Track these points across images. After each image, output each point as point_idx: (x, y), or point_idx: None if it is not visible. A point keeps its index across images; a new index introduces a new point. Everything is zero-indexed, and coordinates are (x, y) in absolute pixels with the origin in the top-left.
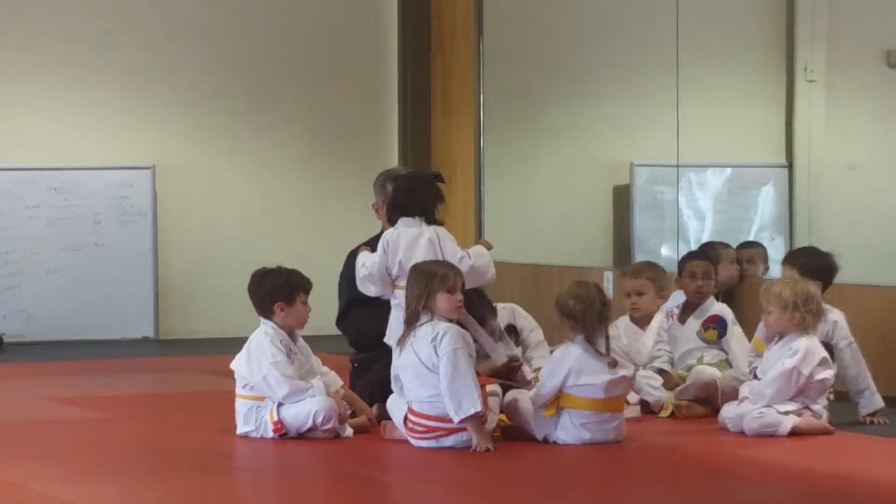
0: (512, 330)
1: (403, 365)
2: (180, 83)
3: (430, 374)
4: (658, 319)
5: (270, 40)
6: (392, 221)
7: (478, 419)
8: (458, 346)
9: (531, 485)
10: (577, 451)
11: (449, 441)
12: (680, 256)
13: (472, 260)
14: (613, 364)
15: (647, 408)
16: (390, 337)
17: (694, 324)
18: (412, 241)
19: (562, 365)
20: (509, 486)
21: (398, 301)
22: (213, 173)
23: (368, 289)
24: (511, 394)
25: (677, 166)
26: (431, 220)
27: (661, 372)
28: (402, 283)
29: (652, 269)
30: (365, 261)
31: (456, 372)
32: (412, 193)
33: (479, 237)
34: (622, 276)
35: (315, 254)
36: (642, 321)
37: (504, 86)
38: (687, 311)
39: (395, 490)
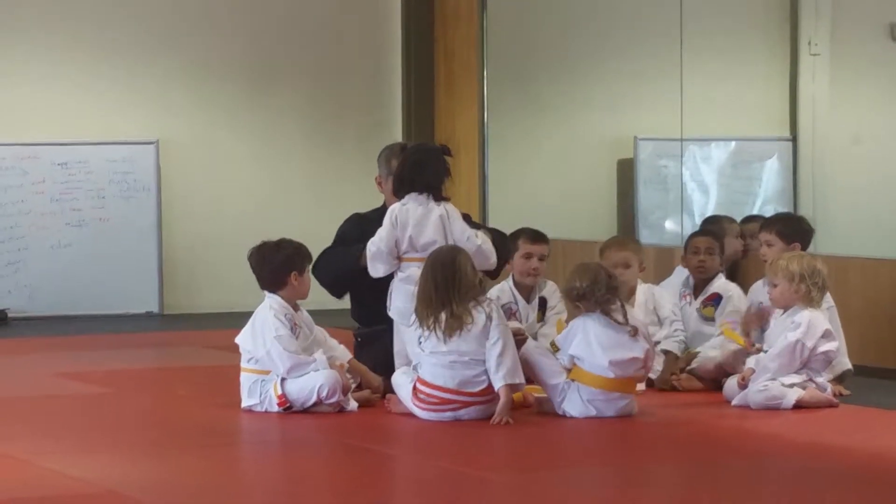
0: (544, 303)
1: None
2: (184, 58)
3: None
4: (642, 295)
5: (274, 17)
6: (398, 195)
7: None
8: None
9: (536, 457)
10: (585, 424)
11: (464, 413)
12: (684, 230)
13: (479, 241)
14: (634, 332)
15: (649, 382)
16: (395, 311)
17: (697, 302)
18: (422, 217)
19: (570, 333)
20: (514, 457)
21: (405, 274)
22: (216, 148)
23: (377, 269)
24: (525, 350)
25: (681, 140)
26: (439, 196)
27: (665, 352)
28: (410, 256)
29: (634, 242)
30: (374, 238)
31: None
32: (421, 168)
33: (483, 214)
34: (606, 249)
35: (318, 228)
36: (625, 297)
37: (507, 63)
38: (696, 290)
39: (401, 463)
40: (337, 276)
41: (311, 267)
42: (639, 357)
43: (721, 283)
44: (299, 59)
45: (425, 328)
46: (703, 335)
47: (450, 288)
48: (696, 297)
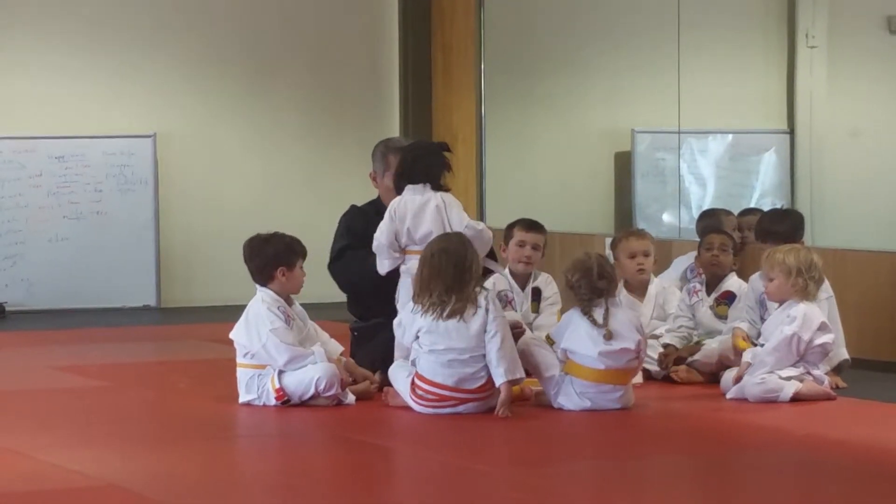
0: (538, 294)
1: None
2: (182, 51)
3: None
4: (654, 289)
5: (272, 10)
6: (399, 191)
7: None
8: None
9: (536, 450)
10: (583, 417)
11: (462, 409)
12: (682, 223)
13: (479, 227)
14: (609, 336)
15: (647, 374)
16: (402, 305)
17: (710, 300)
18: (419, 207)
19: (562, 325)
20: (514, 451)
21: (406, 267)
22: (214, 142)
23: (382, 264)
24: (522, 342)
25: (678, 133)
26: (437, 186)
27: (665, 345)
28: (412, 249)
29: (648, 233)
30: (376, 233)
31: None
32: (417, 161)
33: (481, 207)
34: (626, 238)
35: (315, 222)
36: (639, 290)
37: (505, 56)
38: (709, 287)
39: (399, 456)
40: (355, 283)
41: (302, 261)
42: (629, 348)
43: (734, 281)
44: (297, 52)
45: (424, 311)
46: (717, 333)
47: (455, 274)
48: (708, 295)
